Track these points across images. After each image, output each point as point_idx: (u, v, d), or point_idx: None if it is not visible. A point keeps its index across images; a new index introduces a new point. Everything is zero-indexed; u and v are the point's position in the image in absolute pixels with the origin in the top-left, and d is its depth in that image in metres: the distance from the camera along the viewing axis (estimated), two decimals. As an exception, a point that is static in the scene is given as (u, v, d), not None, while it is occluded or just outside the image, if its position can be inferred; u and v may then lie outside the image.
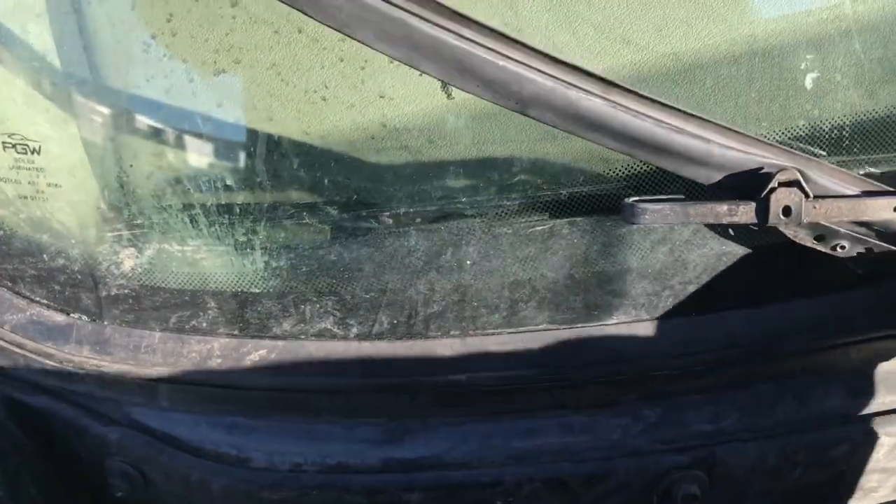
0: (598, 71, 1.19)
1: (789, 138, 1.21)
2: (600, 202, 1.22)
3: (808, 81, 1.20)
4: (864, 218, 1.13)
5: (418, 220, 1.23)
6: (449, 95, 1.27)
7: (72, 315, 1.33)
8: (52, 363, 1.33)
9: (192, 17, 1.21)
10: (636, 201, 1.15)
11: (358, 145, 1.27)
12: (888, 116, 1.21)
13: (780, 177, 1.10)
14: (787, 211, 1.11)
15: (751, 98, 1.23)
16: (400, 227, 1.22)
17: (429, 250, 1.24)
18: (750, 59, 1.20)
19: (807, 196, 1.10)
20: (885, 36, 1.18)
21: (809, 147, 1.21)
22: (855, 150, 1.21)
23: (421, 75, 1.26)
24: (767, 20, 1.19)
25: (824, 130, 1.21)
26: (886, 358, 1.37)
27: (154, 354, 1.30)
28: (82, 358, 1.31)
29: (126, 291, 1.29)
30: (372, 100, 1.24)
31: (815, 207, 1.11)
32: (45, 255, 1.29)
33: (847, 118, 1.20)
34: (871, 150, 1.23)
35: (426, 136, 1.27)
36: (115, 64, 1.25)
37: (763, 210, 1.11)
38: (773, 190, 1.10)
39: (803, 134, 1.21)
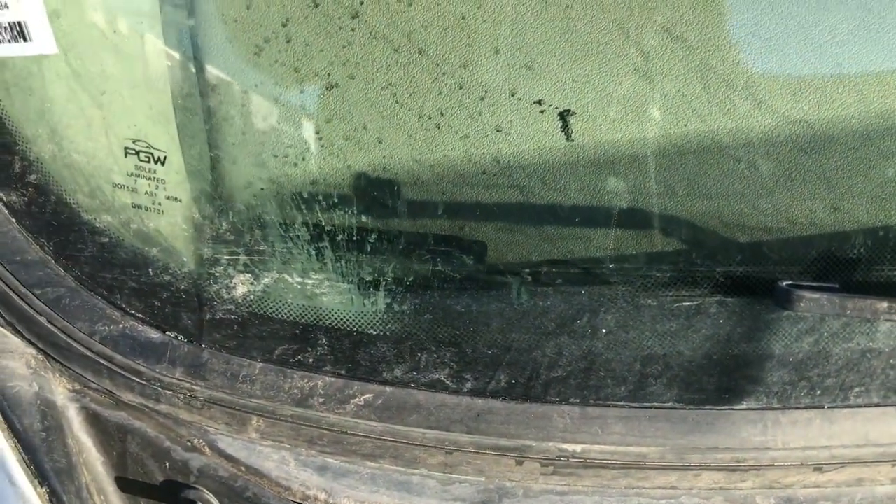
0: (726, 129, 1.16)
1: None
2: (755, 283, 1.15)
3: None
4: None
5: (559, 280, 1.16)
6: (569, 137, 1.21)
7: (168, 333, 1.25)
8: (139, 380, 1.25)
9: (308, 24, 1.14)
10: (791, 286, 1.11)
11: (468, 178, 1.20)
12: None
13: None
14: (954, 315, 1.06)
15: (888, 178, 1.16)
16: (539, 285, 1.15)
17: (564, 313, 1.17)
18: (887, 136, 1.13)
19: (978, 297, 1.05)
20: None
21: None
22: None
23: (542, 112, 1.21)
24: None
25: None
26: None
27: (252, 385, 1.22)
28: (173, 379, 1.24)
29: (232, 317, 1.21)
30: (487, 132, 1.18)
31: None
32: (149, 269, 1.21)
33: None
34: None
35: (540, 178, 1.21)
36: (245, 77, 1.18)
37: (927, 311, 1.07)
38: (936, 290, 1.05)
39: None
